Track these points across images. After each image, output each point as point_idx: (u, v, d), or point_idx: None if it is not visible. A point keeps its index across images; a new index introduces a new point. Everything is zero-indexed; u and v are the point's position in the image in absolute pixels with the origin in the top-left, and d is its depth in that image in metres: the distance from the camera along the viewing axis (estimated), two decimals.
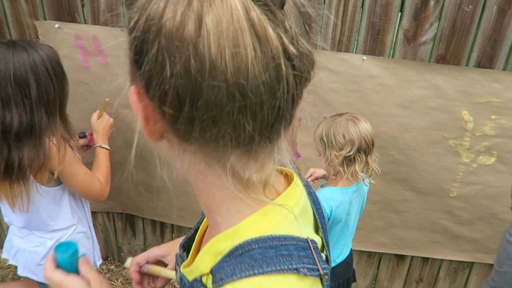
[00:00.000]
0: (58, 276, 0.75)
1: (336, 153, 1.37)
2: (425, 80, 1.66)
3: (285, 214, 0.51)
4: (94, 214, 2.16)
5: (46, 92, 1.29)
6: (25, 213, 1.43)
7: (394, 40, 1.63)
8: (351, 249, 1.64)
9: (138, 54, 0.41)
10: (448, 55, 1.62)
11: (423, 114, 1.71)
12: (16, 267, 1.55)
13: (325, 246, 0.60)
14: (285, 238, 0.48)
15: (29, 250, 1.51)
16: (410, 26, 1.59)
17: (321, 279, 0.50)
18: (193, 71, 0.38)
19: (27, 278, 1.65)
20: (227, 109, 0.39)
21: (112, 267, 2.22)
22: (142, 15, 0.40)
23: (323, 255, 0.54)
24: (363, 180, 1.45)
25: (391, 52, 1.66)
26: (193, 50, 0.37)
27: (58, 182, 1.47)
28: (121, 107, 1.76)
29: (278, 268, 0.45)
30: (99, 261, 1.73)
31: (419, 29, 1.59)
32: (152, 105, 0.43)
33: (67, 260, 0.76)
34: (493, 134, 1.72)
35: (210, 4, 0.37)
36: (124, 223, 2.18)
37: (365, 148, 1.39)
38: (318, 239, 0.56)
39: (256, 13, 0.37)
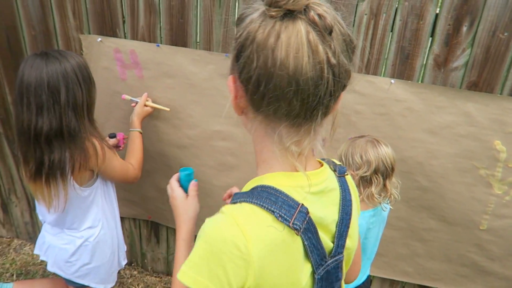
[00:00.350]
0: (179, 192, 1.07)
1: (353, 172, 1.36)
2: (455, 106, 1.62)
3: (299, 184, 0.71)
4: (121, 219, 2.25)
5: (74, 97, 1.39)
6: (60, 212, 1.52)
7: (423, 65, 1.61)
8: (368, 275, 1.60)
9: (238, 52, 0.66)
10: (481, 82, 1.58)
11: (452, 141, 1.66)
12: (46, 263, 1.64)
13: (338, 241, 0.77)
14: (281, 193, 0.68)
15: (59, 247, 1.60)
16: (441, 52, 1.57)
17: (303, 241, 0.68)
18: (269, 65, 0.62)
19: (55, 275, 1.74)
20: (286, 91, 0.62)
21: (135, 272, 2.28)
22: (245, 30, 0.65)
23: (328, 241, 0.75)
24: (380, 204, 1.43)
25: (421, 76, 1.64)
26: (271, 53, 0.61)
27: (92, 183, 1.56)
28: (152, 118, 1.84)
29: (261, 204, 0.67)
30: (124, 261, 1.80)
31: (450, 55, 1.57)
32: (241, 86, 0.68)
33: (185, 178, 1.11)
34: None
35: (285, 27, 0.61)
36: (149, 230, 2.24)
37: (383, 171, 1.37)
38: (330, 221, 0.75)
39: (312, 35, 0.61)
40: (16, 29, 1.83)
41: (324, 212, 0.75)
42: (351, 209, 0.81)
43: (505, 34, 1.50)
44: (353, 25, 1.59)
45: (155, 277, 2.27)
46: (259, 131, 0.72)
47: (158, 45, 1.72)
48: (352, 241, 0.83)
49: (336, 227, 0.78)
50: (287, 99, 0.63)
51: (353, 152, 1.38)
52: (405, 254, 1.90)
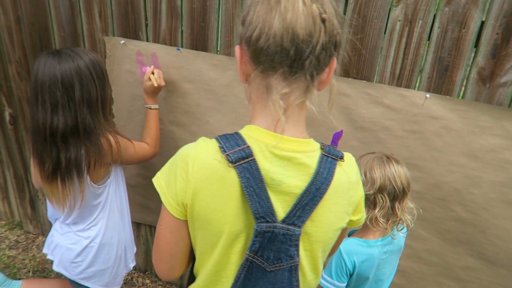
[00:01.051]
0: None
1: None
2: (503, 128, 1.40)
3: (265, 140, 0.76)
4: (138, 225, 2.22)
5: (89, 93, 1.37)
6: (73, 211, 1.50)
7: (465, 79, 1.42)
8: None
9: (244, 18, 0.74)
10: None
11: (498, 167, 1.44)
12: (52, 262, 1.62)
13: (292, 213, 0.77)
14: (240, 138, 0.77)
15: (66, 247, 1.57)
16: (486, 64, 1.37)
17: (238, 177, 0.74)
18: (269, 17, 0.69)
19: (62, 277, 1.72)
20: (283, 38, 0.68)
21: (148, 281, 2.22)
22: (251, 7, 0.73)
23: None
24: (386, 229, 1.25)
25: (462, 92, 1.45)
26: (270, 9, 0.69)
27: (105, 181, 1.53)
28: (170, 123, 1.79)
29: (219, 141, 0.77)
30: (132, 263, 1.75)
31: (498, 69, 1.36)
32: (245, 48, 0.75)
33: None
34: None
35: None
36: None
37: (391, 192, 1.20)
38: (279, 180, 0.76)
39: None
40: (48, 30, 1.87)
41: (284, 179, 0.76)
42: (325, 191, 0.77)
43: None
44: (385, 32, 1.44)
45: (167, 287, 2.20)
46: (256, 92, 0.78)
47: (178, 49, 1.68)
48: (316, 230, 0.80)
49: (297, 197, 0.77)
50: (283, 46, 0.69)
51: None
52: None
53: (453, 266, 1.61)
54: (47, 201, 1.56)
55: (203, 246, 0.83)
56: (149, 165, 1.93)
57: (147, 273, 2.28)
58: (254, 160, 0.74)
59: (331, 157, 0.80)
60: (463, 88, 1.44)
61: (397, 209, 1.22)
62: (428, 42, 1.42)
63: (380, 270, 1.30)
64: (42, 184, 1.45)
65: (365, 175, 1.23)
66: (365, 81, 1.51)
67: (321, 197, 0.77)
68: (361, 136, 1.57)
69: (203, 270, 0.86)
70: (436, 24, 1.38)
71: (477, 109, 1.41)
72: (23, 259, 2.32)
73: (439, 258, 1.62)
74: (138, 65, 1.75)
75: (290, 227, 0.77)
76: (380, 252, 1.28)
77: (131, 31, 1.73)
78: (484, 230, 1.52)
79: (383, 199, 1.20)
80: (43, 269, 2.25)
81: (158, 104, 1.69)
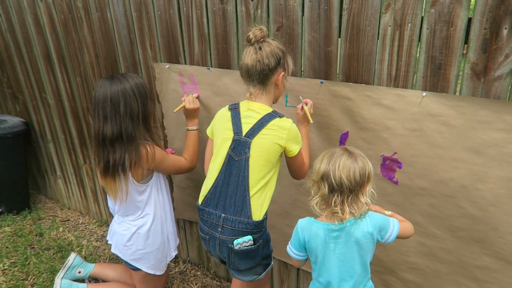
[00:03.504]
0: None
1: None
2: (504, 121, 1.38)
3: (243, 104, 1.63)
4: (190, 223, 2.54)
5: (131, 109, 1.73)
6: (123, 203, 1.88)
7: (460, 75, 1.44)
8: None
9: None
10: None
11: (503, 162, 1.41)
12: (110, 246, 2.01)
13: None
14: (237, 103, 1.67)
15: (120, 233, 1.95)
16: (478, 60, 1.39)
17: (231, 114, 1.66)
18: (241, 60, 1.59)
19: (123, 265, 2.10)
20: (244, 69, 1.57)
21: (198, 273, 2.51)
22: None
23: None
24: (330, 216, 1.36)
25: (458, 88, 1.47)
26: (242, 57, 1.58)
27: (148, 180, 1.88)
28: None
29: (229, 105, 1.71)
30: (174, 252, 2.06)
31: (491, 63, 1.37)
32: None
33: None
34: None
35: (247, 47, 1.57)
36: None
37: (330, 184, 1.31)
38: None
39: (253, 49, 1.54)
40: (116, 61, 2.35)
41: (246, 118, 1.59)
42: (265, 125, 1.55)
43: None
44: (378, 38, 1.54)
45: (216, 280, 2.45)
46: (259, 90, 1.62)
47: (208, 68, 1.98)
48: (258, 142, 1.55)
49: (252, 125, 1.57)
50: (245, 72, 1.56)
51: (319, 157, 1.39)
52: None
53: (469, 265, 1.57)
54: (107, 197, 1.97)
55: (214, 148, 1.67)
56: (196, 170, 2.24)
57: (199, 266, 2.58)
58: (238, 110, 1.62)
59: (274, 114, 1.57)
60: (459, 85, 1.46)
61: (333, 201, 1.31)
62: (419, 43, 1.48)
63: (331, 252, 1.38)
64: (100, 179, 1.85)
65: (317, 163, 1.35)
66: (364, 85, 1.62)
67: (263, 127, 1.55)
68: (366, 136, 1.67)
69: (210, 165, 1.68)
70: (425, 26, 1.45)
71: (476, 104, 1.42)
72: (104, 249, 2.82)
73: (454, 256, 1.60)
74: (180, 84, 2.10)
75: (247, 138, 1.56)
76: (327, 234, 1.37)
77: (173, 57, 2.10)
78: (496, 227, 1.47)
79: (323, 188, 1.31)
80: (117, 258, 2.72)
81: (197, 126, 1.99)
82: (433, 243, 1.63)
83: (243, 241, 1.56)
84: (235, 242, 1.56)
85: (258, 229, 1.59)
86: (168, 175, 2.36)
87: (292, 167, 1.66)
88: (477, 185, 1.48)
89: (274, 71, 1.54)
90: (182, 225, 2.59)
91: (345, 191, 1.31)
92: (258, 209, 1.56)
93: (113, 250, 1.97)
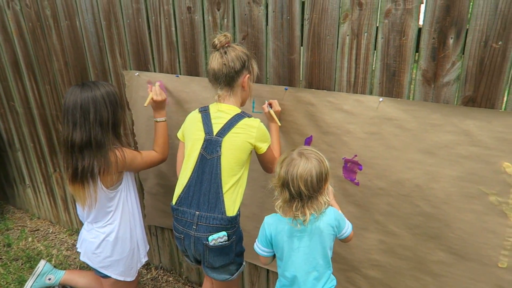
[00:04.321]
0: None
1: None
2: (453, 124, 1.48)
3: (213, 106, 1.71)
4: (162, 230, 2.56)
5: (101, 116, 1.75)
6: (92, 210, 1.88)
7: (412, 82, 1.55)
8: None
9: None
10: (479, 97, 1.44)
11: (453, 162, 1.51)
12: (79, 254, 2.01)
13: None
14: (207, 106, 1.74)
15: (89, 241, 1.95)
16: (428, 67, 1.49)
17: (201, 115, 1.73)
18: (208, 64, 1.68)
19: (93, 272, 2.10)
20: (211, 73, 1.66)
21: (170, 279, 2.53)
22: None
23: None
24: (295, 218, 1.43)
25: (411, 94, 1.57)
26: (209, 61, 1.67)
27: (117, 187, 1.89)
28: (175, 138, 2.12)
29: (199, 107, 1.80)
30: (144, 259, 2.07)
31: (440, 69, 1.48)
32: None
33: None
34: None
35: (213, 53, 1.65)
36: None
37: (291, 192, 1.37)
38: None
39: (219, 54, 1.62)
40: (86, 69, 2.36)
41: (216, 118, 1.66)
42: (235, 124, 1.63)
43: (499, 43, 1.36)
44: (337, 46, 1.63)
45: (188, 286, 2.47)
46: (230, 92, 1.69)
47: (177, 76, 2.02)
48: (229, 141, 1.62)
49: (222, 125, 1.64)
50: (212, 76, 1.64)
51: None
52: None
53: (426, 260, 1.67)
54: (77, 204, 1.97)
55: (186, 150, 1.72)
56: (166, 176, 2.27)
57: (171, 272, 2.59)
58: (208, 111, 1.69)
59: (243, 115, 1.65)
60: (412, 90, 1.56)
61: (294, 206, 1.38)
62: (375, 51, 1.58)
63: (296, 247, 1.45)
64: (69, 186, 1.85)
65: (277, 168, 1.42)
66: (326, 91, 1.70)
67: (233, 126, 1.63)
68: (328, 140, 1.74)
69: (183, 166, 1.73)
70: (380, 35, 1.54)
71: (427, 108, 1.51)
72: (75, 258, 2.79)
73: (412, 253, 1.69)
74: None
75: (218, 137, 1.63)
76: (291, 228, 1.44)
77: (142, 64, 2.13)
78: (448, 224, 1.57)
79: (284, 194, 1.38)
80: (88, 266, 2.69)
81: (165, 117, 2.00)
82: (392, 241, 1.72)
83: (218, 237, 1.61)
84: (210, 238, 1.61)
85: (232, 225, 1.64)
86: (138, 180, 2.38)
87: (263, 163, 1.74)
88: (430, 184, 1.57)
89: (240, 73, 1.63)
90: (154, 231, 2.60)
91: (304, 198, 1.38)
92: (232, 205, 1.63)
93: (81, 258, 1.97)
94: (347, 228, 1.52)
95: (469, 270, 1.59)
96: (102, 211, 1.90)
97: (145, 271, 2.62)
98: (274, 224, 1.49)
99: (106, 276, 1.97)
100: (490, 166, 1.45)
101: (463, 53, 1.42)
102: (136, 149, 2.34)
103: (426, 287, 1.70)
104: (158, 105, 1.97)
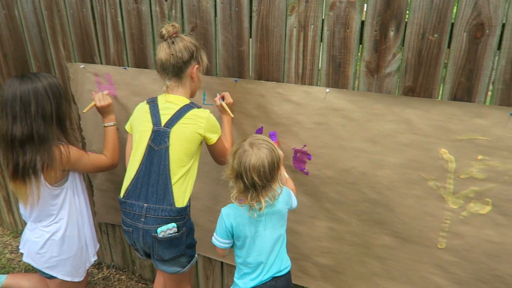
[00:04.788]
0: None
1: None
2: (394, 113, 1.55)
3: (162, 96, 1.67)
4: (113, 227, 2.48)
5: (43, 109, 1.66)
6: (34, 208, 1.79)
7: (357, 73, 1.60)
8: (282, 275, 1.56)
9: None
10: (418, 87, 1.51)
11: (395, 150, 1.58)
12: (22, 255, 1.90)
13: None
14: (155, 97, 1.70)
15: (32, 241, 1.85)
16: (371, 58, 1.55)
17: (149, 106, 1.69)
18: (156, 55, 1.66)
19: (38, 274, 2.00)
20: (159, 63, 1.64)
21: (123, 277, 2.46)
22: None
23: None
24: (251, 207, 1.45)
25: (356, 84, 1.62)
26: (157, 51, 1.64)
27: (63, 183, 1.81)
28: (125, 132, 2.07)
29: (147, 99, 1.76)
30: (93, 258, 2.00)
31: (382, 61, 1.54)
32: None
33: None
34: (483, 177, 1.49)
35: (160, 43, 1.62)
36: None
37: (245, 183, 1.39)
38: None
39: (167, 44, 1.59)
40: (27, 61, 2.24)
41: (164, 109, 1.64)
42: (183, 115, 1.61)
43: (435, 35, 1.43)
44: (285, 38, 1.65)
45: (142, 283, 2.42)
46: (180, 83, 1.67)
47: (125, 68, 1.97)
48: (177, 131, 1.60)
49: (171, 116, 1.62)
50: (160, 66, 1.62)
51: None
52: (362, 273, 1.79)
53: (372, 245, 1.74)
54: (19, 202, 1.86)
55: (134, 141, 1.69)
56: (116, 172, 2.20)
57: (124, 270, 2.53)
58: (156, 102, 1.66)
59: (192, 105, 1.64)
60: (356, 81, 1.62)
61: (249, 196, 1.40)
62: (321, 43, 1.61)
63: (257, 229, 1.48)
64: (10, 184, 1.75)
65: (229, 158, 1.43)
66: (275, 82, 1.72)
67: (181, 117, 1.61)
68: (278, 131, 1.77)
69: (131, 158, 1.69)
70: (325, 27, 1.58)
71: (371, 98, 1.57)
72: (19, 261, 2.65)
73: (359, 238, 1.75)
74: (96, 84, 2.05)
75: (166, 128, 1.61)
76: (251, 214, 1.46)
77: (88, 56, 2.05)
78: (392, 209, 1.65)
79: (239, 184, 1.40)
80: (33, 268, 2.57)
81: (114, 122, 1.95)
82: (341, 227, 1.77)
83: (167, 229, 1.59)
84: (159, 230, 1.59)
85: (182, 216, 1.63)
86: (87, 177, 2.29)
87: (213, 154, 1.73)
88: (375, 171, 1.64)
89: (188, 64, 1.61)
90: (105, 229, 2.52)
91: (258, 188, 1.40)
92: (181, 196, 1.61)
93: (24, 259, 1.87)
94: (294, 197, 1.62)
95: (412, 252, 1.67)
96: (45, 209, 1.81)
97: (96, 270, 2.53)
98: (233, 213, 1.50)
99: (52, 277, 1.89)
100: (429, 153, 1.53)
101: (403, 45, 1.49)
102: (83, 145, 2.25)
103: (373, 270, 1.77)
104: (104, 110, 1.92)
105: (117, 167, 1.98)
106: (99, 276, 2.48)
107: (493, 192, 1.48)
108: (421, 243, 1.64)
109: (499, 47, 1.37)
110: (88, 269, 2.00)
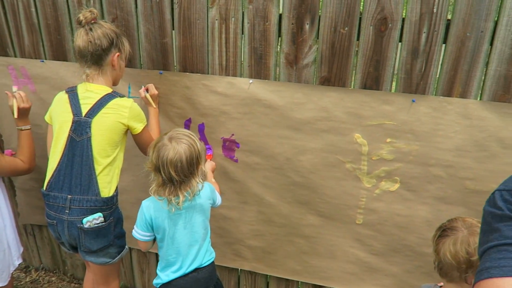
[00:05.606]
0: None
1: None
2: (313, 102, 1.66)
3: (81, 85, 1.63)
4: (40, 228, 2.38)
5: None
6: None
7: (277, 64, 1.68)
8: (204, 265, 1.60)
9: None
10: (332, 77, 1.62)
11: (316, 136, 1.70)
12: None
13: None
14: (76, 86, 1.66)
15: None
16: (290, 50, 1.63)
17: (68, 96, 1.64)
18: (74, 41, 1.62)
19: None
20: (76, 50, 1.59)
21: (53, 278, 2.39)
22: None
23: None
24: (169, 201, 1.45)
25: (277, 75, 1.70)
26: (75, 38, 1.59)
27: None
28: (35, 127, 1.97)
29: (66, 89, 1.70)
30: (18, 261, 1.92)
31: (299, 53, 1.62)
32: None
33: None
34: (392, 158, 1.65)
35: (78, 29, 1.57)
36: None
37: (164, 175, 1.41)
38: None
39: (85, 30, 1.55)
40: None
41: (84, 99, 1.59)
42: (105, 104, 1.58)
43: (346, 29, 1.55)
44: (208, 31, 1.68)
45: (74, 283, 2.36)
46: (102, 71, 1.63)
47: (42, 61, 1.88)
48: (98, 121, 1.57)
49: (91, 105, 1.58)
50: (78, 53, 1.58)
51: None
52: (291, 252, 1.91)
53: (298, 225, 1.85)
54: None
55: (54, 132, 1.64)
56: (39, 170, 2.09)
57: (55, 271, 2.44)
58: (76, 91, 1.61)
59: (114, 94, 1.61)
60: (278, 72, 1.70)
61: (167, 191, 1.42)
62: (243, 35, 1.67)
63: (177, 223, 1.51)
64: None
65: (150, 151, 1.44)
66: (200, 74, 1.74)
67: (103, 106, 1.58)
68: (207, 121, 1.80)
69: (51, 150, 1.65)
70: (246, 20, 1.63)
71: (291, 89, 1.66)
72: None
73: (287, 219, 1.86)
74: (13, 78, 1.93)
75: (88, 118, 1.57)
76: (169, 208, 1.47)
77: (0, 49, 1.92)
78: (315, 190, 1.77)
79: (158, 178, 1.42)
80: None
81: (29, 125, 1.83)
82: (269, 210, 1.87)
83: (93, 218, 1.58)
84: (84, 220, 1.58)
85: (108, 206, 1.62)
86: (7, 177, 2.17)
87: (139, 144, 1.71)
88: (298, 157, 1.74)
89: (108, 51, 1.58)
90: (31, 230, 2.40)
91: (176, 184, 1.41)
92: (107, 186, 1.61)
93: None
94: (218, 197, 1.65)
95: (334, 229, 1.81)
96: None
97: (24, 274, 2.41)
98: (152, 206, 1.51)
99: None
100: (345, 138, 1.67)
101: (318, 38, 1.59)
102: (1, 142, 2.11)
103: (300, 249, 1.90)
104: (24, 112, 1.81)
105: (39, 158, 1.88)
106: (27, 280, 2.37)
107: (400, 171, 1.65)
108: (342, 220, 1.79)
109: (400, 40, 1.52)
110: (13, 273, 1.91)
